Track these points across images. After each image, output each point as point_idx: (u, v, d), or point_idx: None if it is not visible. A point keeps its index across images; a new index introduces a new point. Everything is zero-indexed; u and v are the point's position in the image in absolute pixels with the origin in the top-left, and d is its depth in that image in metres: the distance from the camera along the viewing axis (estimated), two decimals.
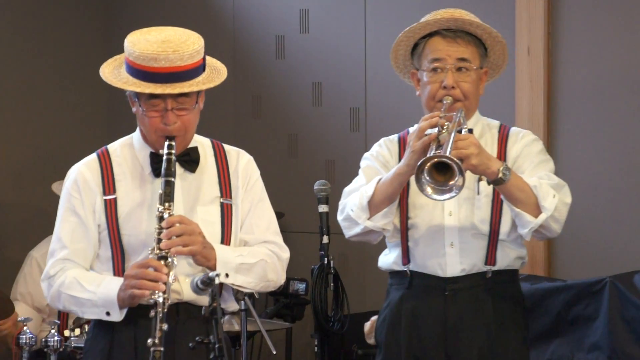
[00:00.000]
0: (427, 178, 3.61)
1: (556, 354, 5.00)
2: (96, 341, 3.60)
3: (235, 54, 6.60)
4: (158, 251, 3.42)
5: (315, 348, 5.47)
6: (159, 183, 3.51)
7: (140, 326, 3.48)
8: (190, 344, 3.27)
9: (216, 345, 3.20)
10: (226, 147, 3.73)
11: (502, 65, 4.05)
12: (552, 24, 5.50)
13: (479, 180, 3.83)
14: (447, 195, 3.63)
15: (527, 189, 3.75)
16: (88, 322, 4.20)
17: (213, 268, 3.50)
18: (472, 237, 3.89)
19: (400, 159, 3.93)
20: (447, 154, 3.59)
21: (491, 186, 3.80)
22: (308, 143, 6.44)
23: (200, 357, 3.32)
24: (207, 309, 3.23)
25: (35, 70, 6.68)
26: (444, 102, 3.86)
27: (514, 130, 4.00)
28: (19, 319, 4.58)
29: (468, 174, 3.66)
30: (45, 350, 4.42)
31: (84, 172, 3.63)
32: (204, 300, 3.32)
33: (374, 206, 3.83)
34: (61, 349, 4.45)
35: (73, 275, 3.56)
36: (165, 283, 3.38)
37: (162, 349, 3.30)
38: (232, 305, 3.68)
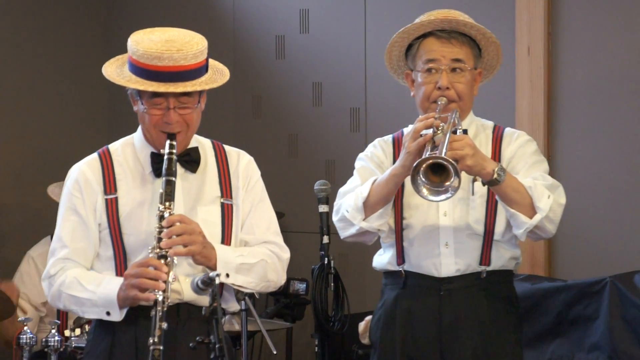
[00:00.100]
0: (423, 179, 3.61)
1: (556, 354, 5.00)
2: (97, 341, 3.60)
3: (235, 54, 6.60)
4: (158, 250, 3.43)
5: (316, 348, 5.47)
6: (159, 183, 3.51)
7: (141, 326, 3.48)
8: (190, 344, 3.27)
9: (217, 345, 3.20)
10: (227, 147, 3.73)
11: (496, 66, 4.05)
12: (552, 24, 5.51)
13: (474, 180, 3.84)
14: (442, 196, 3.63)
15: (522, 190, 3.75)
16: (88, 322, 4.21)
17: (213, 268, 3.50)
18: (466, 238, 3.90)
19: (394, 160, 3.94)
20: (443, 155, 3.60)
21: (486, 187, 3.81)
22: (308, 143, 6.44)
23: (201, 357, 3.32)
24: (208, 309, 3.23)
25: (35, 70, 6.68)
26: (439, 102, 3.87)
27: (508, 131, 4.00)
28: (19, 319, 4.58)
29: (463, 174, 3.66)
30: (46, 350, 4.43)
31: (85, 171, 3.63)
32: (204, 300, 3.32)
33: (369, 207, 3.83)
34: (61, 349, 4.45)
35: (73, 274, 3.56)
36: (165, 282, 3.38)
37: (161, 347, 3.30)
38: (233, 306, 3.68)
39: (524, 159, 3.91)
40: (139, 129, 3.66)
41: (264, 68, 6.57)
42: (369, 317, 4.15)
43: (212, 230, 3.59)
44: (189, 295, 3.50)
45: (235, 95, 6.61)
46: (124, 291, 3.46)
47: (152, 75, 3.46)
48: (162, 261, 3.41)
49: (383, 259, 4.02)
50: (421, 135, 3.72)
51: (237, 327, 5.11)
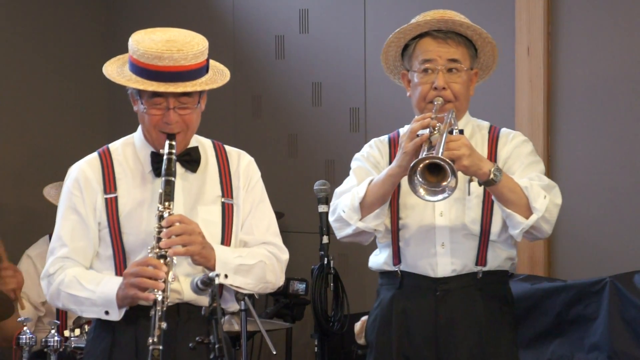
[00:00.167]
0: (420, 179, 3.61)
1: (556, 354, 5.00)
2: (97, 341, 3.61)
3: (235, 54, 6.60)
4: (157, 250, 3.43)
5: (315, 348, 5.47)
6: (159, 182, 3.51)
7: (141, 326, 3.48)
8: (190, 344, 3.27)
9: (216, 346, 3.20)
10: (227, 148, 3.73)
11: (492, 66, 4.05)
12: (552, 24, 5.51)
13: (470, 181, 3.84)
14: (440, 196, 3.63)
15: (518, 190, 3.76)
16: (88, 322, 4.21)
17: (212, 268, 3.50)
18: (463, 238, 3.90)
19: (390, 160, 3.94)
20: (440, 155, 3.60)
21: (482, 187, 3.81)
22: (308, 143, 6.44)
23: (200, 357, 3.32)
24: (207, 309, 3.23)
25: (35, 70, 6.68)
26: (435, 103, 3.87)
27: (504, 131, 4.00)
28: (18, 319, 4.58)
29: (459, 174, 3.67)
30: (46, 350, 4.42)
31: (85, 170, 3.63)
32: (204, 300, 3.32)
33: (365, 207, 3.84)
34: (61, 349, 4.44)
35: (73, 273, 3.57)
36: (164, 282, 3.38)
37: (160, 347, 3.30)
38: (232, 306, 3.68)
39: (520, 159, 3.92)
40: (139, 128, 3.66)
41: (263, 68, 6.57)
42: (364, 318, 4.15)
43: (212, 230, 3.59)
44: (189, 295, 3.50)
45: (235, 95, 6.61)
46: (123, 290, 3.46)
47: (152, 75, 3.46)
48: (162, 261, 3.41)
49: (379, 259, 4.03)
50: (418, 136, 3.72)
51: (236, 327, 5.11)
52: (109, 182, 3.61)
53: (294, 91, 6.46)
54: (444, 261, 3.90)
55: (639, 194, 5.31)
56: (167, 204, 3.46)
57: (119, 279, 3.50)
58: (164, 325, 3.32)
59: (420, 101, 3.92)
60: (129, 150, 3.66)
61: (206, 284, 3.27)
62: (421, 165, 3.61)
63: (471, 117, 4.03)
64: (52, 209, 5.16)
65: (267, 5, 6.55)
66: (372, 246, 4.15)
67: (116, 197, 3.60)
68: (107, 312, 3.51)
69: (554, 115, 5.51)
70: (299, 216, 6.28)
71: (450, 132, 3.73)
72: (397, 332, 3.93)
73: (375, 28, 6.10)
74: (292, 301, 5.85)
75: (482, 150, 3.92)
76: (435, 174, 3.62)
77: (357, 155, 4.07)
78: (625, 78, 5.34)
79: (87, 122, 6.93)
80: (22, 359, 4.47)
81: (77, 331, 4.50)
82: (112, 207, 3.59)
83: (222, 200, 3.65)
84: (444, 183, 3.61)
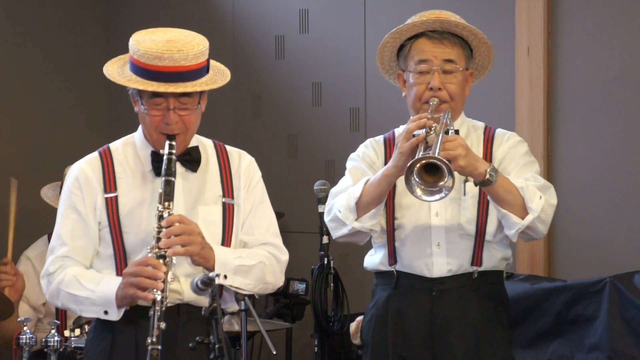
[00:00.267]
0: (417, 179, 3.62)
1: (556, 354, 5.00)
2: (97, 341, 3.61)
3: (235, 54, 6.60)
4: (157, 250, 3.43)
5: (315, 348, 5.47)
6: (159, 182, 3.52)
7: (141, 327, 3.48)
8: (190, 344, 3.27)
9: (216, 346, 3.20)
10: (228, 148, 3.74)
11: (487, 67, 4.06)
12: (552, 24, 5.51)
13: (465, 181, 3.85)
14: (437, 196, 3.64)
15: (513, 191, 3.76)
16: (88, 322, 4.21)
17: (212, 269, 3.50)
18: (458, 238, 3.91)
19: (386, 160, 3.95)
20: (436, 155, 3.60)
21: (477, 187, 3.81)
22: (308, 143, 6.44)
23: (200, 357, 3.32)
24: (207, 310, 3.23)
25: (35, 70, 6.67)
26: (431, 103, 3.88)
27: (499, 132, 4.01)
28: (18, 319, 4.58)
29: (455, 174, 3.67)
30: (46, 350, 4.42)
31: (85, 169, 3.63)
32: (204, 300, 3.32)
33: (361, 207, 3.84)
34: (61, 349, 4.44)
35: (72, 273, 3.57)
36: (163, 281, 3.38)
37: (159, 347, 3.30)
38: (232, 306, 3.68)
39: (515, 159, 3.92)
40: (140, 128, 3.66)
41: (263, 68, 6.57)
42: (360, 318, 4.15)
43: (213, 230, 3.59)
44: (189, 295, 3.50)
45: (235, 96, 6.61)
46: (122, 290, 3.46)
47: (152, 75, 3.46)
48: (161, 261, 3.41)
49: (374, 259, 4.03)
50: (414, 136, 3.73)
51: (236, 327, 5.11)
52: (109, 181, 3.61)
53: (294, 91, 6.46)
54: (440, 261, 3.90)
55: (639, 194, 5.31)
56: (166, 204, 3.46)
57: (119, 279, 3.50)
58: (162, 325, 3.32)
59: (415, 101, 3.93)
60: (130, 149, 3.66)
61: (206, 284, 3.27)
62: (418, 165, 3.61)
63: (466, 117, 4.03)
64: (50, 209, 5.17)
65: (267, 5, 6.55)
66: (372, 246, 4.15)
67: (116, 197, 3.60)
68: (106, 312, 3.51)
69: (554, 115, 5.51)
70: (299, 216, 6.28)
71: (446, 133, 3.73)
72: (393, 332, 3.93)
73: (375, 28, 6.10)
74: (292, 301, 5.85)
75: (478, 150, 3.93)
76: (432, 174, 3.63)
77: (352, 155, 4.07)
78: (625, 78, 5.34)
79: (87, 122, 6.93)
80: (22, 359, 4.47)
81: (77, 331, 4.50)
82: (112, 206, 3.59)
83: (223, 200, 3.65)
84: (441, 183, 3.62)
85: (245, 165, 3.71)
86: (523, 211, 3.76)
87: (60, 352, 4.45)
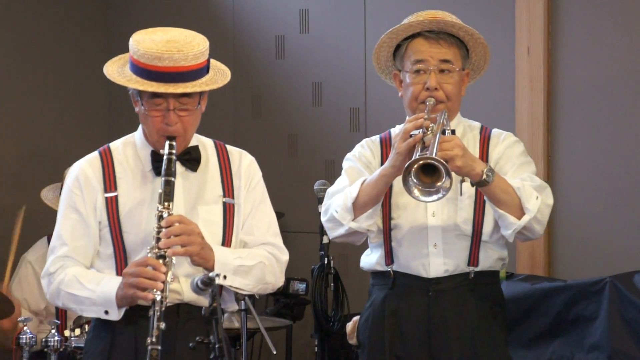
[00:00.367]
0: (415, 180, 3.62)
1: (556, 354, 5.00)
2: (96, 341, 3.60)
3: (235, 54, 6.60)
4: (157, 250, 3.42)
5: (315, 348, 5.48)
6: (159, 181, 3.51)
7: (141, 327, 3.48)
8: (190, 344, 3.27)
9: (216, 346, 3.20)
10: (229, 147, 3.73)
11: (483, 67, 4.05)
12: (552, 24, 5.51)
13: (462, 181, 3.84)
14: (434, 197, 3.64)
15: (510, 191, 3.76)
16: (88, 322, 4.21)
17: (211, 269, 3.49)
18: (455, 238, 3.90)
19: (382, 160, 3.95)
20: (434, 155, 3.60)
21: (474, 187, 3.81)
22: (308, 143, 6.44)
23: (200, 357, 3.32)
24: (207, 309, 3.23)
25: (35, 70, 6.67)
26: (427, 103, 3.87)
27: (495, 132, 4.01)
28: (19, 319, 4.58)
29: (452, 175, 3.67)
30: (46, 350, 4.42)
31: (85, 169, 3.63)
32: (204, 300, 3.32)
33: (358, 207, 3.84)
34: (61, 349, 4.45)
35: (73, 273, 3.56)
36: (163, 282, 3.38)
37: (159, 347, 3.30)
38: (232, 306, 3.68)
39: (511, 160, 3.92)
40: (140, 127, 3.66)
41: (263, 68, 6.57)
42: (356, 318, 4.15)
43: (213, 230, 3.59)
44: (189, 295, 3.50)
45: (235, 95, 6.61)
46: (122, 290, 3.46)
47: (152, 76, 3.46)
48: (161, 261, 3.41)
49: (371, 259, 4.03)
50: (411, 136, 3.73)
51: (236, 325, 5.12)
52: (109, 181, 3.61)
53: (294, 91, 6.46)
54: (437, 261, 3.90)
55: (639, 194, 5.31)
56: (166, 204, 3.46)
57: (119, 279, 3.49)
58: (162, 325, 3.32)
59: (412, 101, 3.93)
60: (130, 149, 3.66)
61: (206, 284, 3.27)
62: (416, 166, 3.61)
63: (463, 117, 4.03)
64: (50, 210, 5.17)
65: (267, 5, 6.55)
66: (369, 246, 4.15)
67: (116, 196, 3.60)
68: (106, 312, 3.51)
69: (554, 115, 5.51)
70: (299, 216, 6.28)
71: (443, 133, 3.73)
72: (390, 332, 3.93)
73: (375, 28, 6.10)
74: (292, 301, 5.85)
75: (474, 150, 3.92)
76: (429, 175, 3.63)
77: (348, 155, 4.07)
78: (625, 78, 5.34)
79: (87, 122, 6.93)
80: (22, 359, 4.47)
81: (77, 331, 4.50)
82: (112, 206, 3.59)
83: (224, 200, 3.64)
84: (439, 183, 3.62)
85: (245, 165, 3.70)
86: (519, 211, 3.76)
87: (60, 352, 4.45)
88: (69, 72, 6.82)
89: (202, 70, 3.50)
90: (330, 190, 3.99)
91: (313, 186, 5.47)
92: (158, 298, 3.35)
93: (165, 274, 3.39)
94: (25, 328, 4.46)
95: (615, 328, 4.83)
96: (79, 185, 3.61)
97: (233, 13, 6.68)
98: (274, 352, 4.19)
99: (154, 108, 3.50)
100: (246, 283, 3.58)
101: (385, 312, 3.95)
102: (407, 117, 3.91)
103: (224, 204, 3.64)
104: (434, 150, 3.62)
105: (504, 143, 3.96)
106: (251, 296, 3.79)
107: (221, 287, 3.58)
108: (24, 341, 4.46)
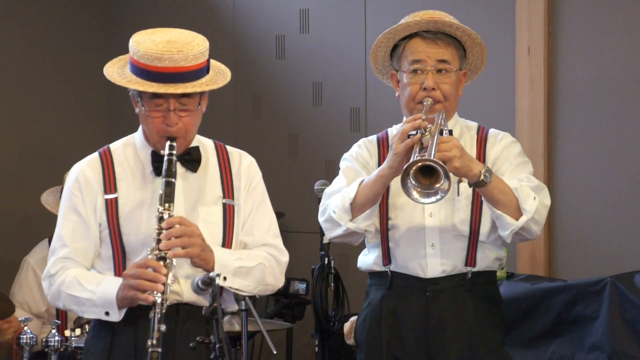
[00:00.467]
0: (413, 182, 3.61)
1: (556, 354, 5.00)
2: (96, 341, 3.60)
3: (235, 54, 6.60)
4: (157, 252, 3.42)
5: (316, 348, 5.48)
6: (160, 182, 3.51)
7: (141, 327, 3.48)
8: (190, 344, 3.27)
9: (217, 346, 3.20)
10: (229, 148, 3.73)
11: (480, 67, 4.05)
12: (552, 24, 5.51)
13: (459, 181, 3.84)
14: (433, 199, 3.64)
15: (508, 191, 3.76)
16: (88, 322, 4.20)
17: (211, 271, 3.48)
18: (452, 238, 3.91)
19: (379, 160, 3.95)
20: (432, 157, 3.60)
21: (471, 188, 3.81)
22: (308, 143, 6.44)
23: (200, 357, 3.32)
24: (208, 309, 3.23)
25: (35, 70, 6.67)
26: (424, 103, 3.87)
27: (492, 132, 4.01)
28: (19, 319, 4.58)
29: (450, 176, 3.67)
30: (46, 350, 4.43)
31: (85, 170, 3.63)
32: (204, 300, 3.32)
33: (356, 208, 3.83)
34: (62, 349, 4.45)
35: (73, 274, 3.56)
36: (163, 284, 3.38)
37: (159, 350, 3.29)
38: (231, 307, 3.68)
39: (509, 160, 3.92)
40: (140, 128, 3.65)
41: (264, 68, 6.57)
42: (353, 318, 4.15)
43: (213, 231, 3.58)
44: (188, 296, 3.50)
45: (235, 95, 6.61)
46: (122, 291, 3.46)
47: (152, 76, 3.45)
48: (161, 263, 3.41)
49: (368, 259, 4.03)
50: (409, 137, 3.72)
51: (237, 327, 5.12)
52: (109, 182, 3.61)
53: (294, 91, 6.46)
54: (434, 262, 3.90)
55: (639, 194, 5.31)
56: (167, 205, 3.45)
57: (119, 280, 3.49)
58: (163, 327, 3.32)
59: (409, 101, 3.92)
60: (130, 150, 3.66)
61: (207, 284, 3.27)
62: (414, 168, 3.61)
63: (460, 117, 4.03)
64: (49, 212, 5.17)
65: (267, 5, 6.55)
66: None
67: (116, 198, 3.59)
68: (107, 313, 3.51)
69: (554, 115, 5.51)
70: (299, 216, 6.28)
71: (441, 133, 3.73)
72: (387, 333, 3.93)
73: (375, 28, 6.09)
74: (292, 301, 5.85)
75: (471, 151, 3.92)
76: (427, 176, 3.62)
77: (346, 155, 4.07)
78: (625, 78, 5.34)
79: (87, 123, 6.93)
80: (22, 359, 4.47)
81: (78, 331, 4.50)
82: (112, 208, 3.58)
83: (223, 201, 3.64)
84: (437, 185, 3.61)
85: (245, 166, 3.70)
86: (517, 212, 3.76)
87: (60, 352, 4.45)
88: (69, 72, 6.82)
89: (202, 71, 3.50)
90: (327, 190, 3.99)
91: (313, 186, 5.47)
92: (158, 300, 3.35)
93: (166, 275, 3.39)
94: (25, 328, 4.47)
95: (615, 328, 4.83)
96: (79, 187, 3.61)
97: (233, 13, 6.68)
98: (275, 352, 4.20)
99: (154, 109, 3.50)
100: (246, 284, 3.58)
101: (382, 312, 3.95)
102: (405, 118, 3.91)
103: (224, 205, 3.63)
104: (432, 152, 3.62)
105: (501, 143, 3.96)
106: (251, 297, 3.79)
107: (221, 287, 3.58)
108: (24, 341, 4.46)
